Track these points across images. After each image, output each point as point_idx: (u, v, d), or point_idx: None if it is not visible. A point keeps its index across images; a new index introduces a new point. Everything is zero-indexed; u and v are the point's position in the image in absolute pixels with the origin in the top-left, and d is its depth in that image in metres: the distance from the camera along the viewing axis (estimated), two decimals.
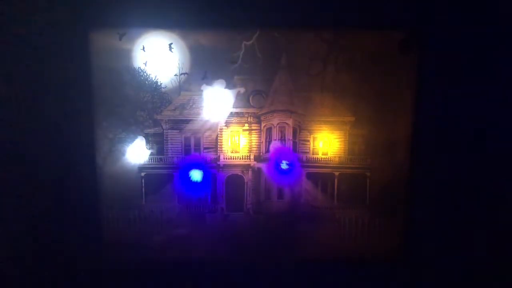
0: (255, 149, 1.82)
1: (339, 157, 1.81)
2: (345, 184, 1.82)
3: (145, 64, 1.65)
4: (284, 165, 1.78)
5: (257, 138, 1.82)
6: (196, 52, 1.65)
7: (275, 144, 1.80)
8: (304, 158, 1.81)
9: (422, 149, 1.66)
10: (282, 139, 1.81)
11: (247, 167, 1.83)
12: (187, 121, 1.77)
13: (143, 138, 1.74)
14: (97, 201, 1.66)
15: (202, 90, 1.69)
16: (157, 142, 1.78)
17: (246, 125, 1.81)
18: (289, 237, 1.78)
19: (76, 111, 1.58)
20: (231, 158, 1.82)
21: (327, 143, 1.81)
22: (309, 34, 1.67)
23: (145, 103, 1.71)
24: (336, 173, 1.82)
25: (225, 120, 1.78)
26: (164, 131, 1.78)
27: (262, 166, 1.82)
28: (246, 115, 1.80)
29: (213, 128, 1.78)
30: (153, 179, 1.77)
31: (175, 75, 1.69)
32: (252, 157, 1.83)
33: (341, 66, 1.69)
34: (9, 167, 1.59)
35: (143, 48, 1.63)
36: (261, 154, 1.82)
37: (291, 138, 1.80)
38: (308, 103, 1.75)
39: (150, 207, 1.76)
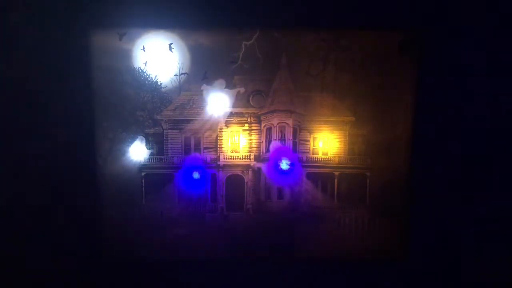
0: (255, 149, 1.82)
1: (339, 157, 1.81)
2: (345, 184, 1.82)
3: (145, 64, 1.65)
4: (284, 165, 1.78)
5: (257, 138, 1.82)
6: (196, 52, 1.65)
7: (275, 144, 1.80)
8: (304, 158, 1.81)
9: (422, 149, 1.66)
10: (282, 139, 1.81)
11: (247, 167, 1.83)
12: (187, 121, 1.77)
13: (143, 138, 1.74)
14: (97, 201, 1.66)
15: (202, 90, 1.69)
16: (157, 142, 1.78)
17: (246, 125, 1.81)
18: (289, 237, 1.78)
19: (76, 111, 1.58)
20: (231, 158, 1.82)
21: (327, 143, 1.81)
22: (309, 34, 1.67)
23: (145, 103, 1.71)
24: (336, 173, 1.82)
25: (225, 120, 1.78)
26: (164, 131, 1.78)
27: (262, 166, 1.82)
28: (246, 115, 1.80)
29: (213, 128, 1.78)
30: (153, 179, 1.77)
31: (175, 75, 1.69)
32: (252, 157, 1.83)
33: (341, 66, 1.69)
34: (9, 166, 1.59)
35: (143, 48, 1.63)
36: (261, 154, 1.82)
37: (291, 138, 1.80)
38: (308, 103, 1.75)
39: (150, 207, 1.76)
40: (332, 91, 1.73)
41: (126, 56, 1.63)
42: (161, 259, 1.75)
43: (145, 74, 1.67)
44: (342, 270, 1.77)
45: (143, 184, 1.76)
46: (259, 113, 1.79)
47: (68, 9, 1.50)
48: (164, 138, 1.79)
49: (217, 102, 1.72)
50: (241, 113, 1.79)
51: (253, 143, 1.82)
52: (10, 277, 1.68)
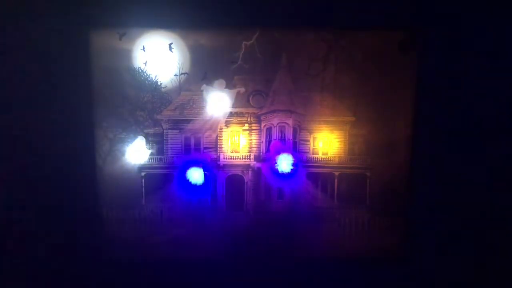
0: (255, 149, 1.82)
1: (339, 157, 1.81)
2: (345, 184, 1.82)
3: (145, 64, 1.65)
4: (286, 166, 1.78)
5: (257, 138, 1.82)
6: (196, 52, 1.65)
7: (275, 144, 1.80)
8: (304, 158, 1.81)
9: (422, 149, 1.66)
10: (282, 139, 1.81)
11: (247, 167, 1.83)
12: (187, 121, 1.77)
13: (143, 138, 1.74)
14: (97, 201, 1.66)
15: (202, 90, 1.69)
16: (157, 142, 1.78)
17: (246, 125, 1.81)
18: (289, 237, 1.78)
19: (76, 111, 1.58)
20: (231, 158, 1.82)
21: (327, 143, 1.81)
22: (309, 34, 1.67)
23: (145, 103, 1.71)
24: (336, 173, 1.82)
25: (225, 120, 1.78)
26: (164, 131, 1.78)
27: (262, 166, 1.82)
28: (246, 115, 1.80)
29: (213, 128, 1.78)
30: (153, 179, 1.77)
31: (175, 75, 1.69)
32: (252, 157, 1.83)
33: (341, 66, 1.69)
34: (9, 166, 1.59)
35: (143, 48, 1.63)
36: (261, 154, 1.82)
37: (291, 138, 1.80)
38: (308, 103, 1.75)
39: (150, 207, 1.76)
40: (332, 91, 1.73)
41: (126, 56, 1.63)
42: (161, 259, 1.75)
43: (145, 74, 1.67)
44: (342, 270, 1.77)
45: (143, 184, 1.76)
46: (259, 113, 1.79)
47: (68, 9, 1.50)
48: (164, 138, 1.79)
49: (217, 102, 1.72)
50: (241, 113, 1.79)
51: (253, 143, 1.82)
52: (10, 277, 1.68)
